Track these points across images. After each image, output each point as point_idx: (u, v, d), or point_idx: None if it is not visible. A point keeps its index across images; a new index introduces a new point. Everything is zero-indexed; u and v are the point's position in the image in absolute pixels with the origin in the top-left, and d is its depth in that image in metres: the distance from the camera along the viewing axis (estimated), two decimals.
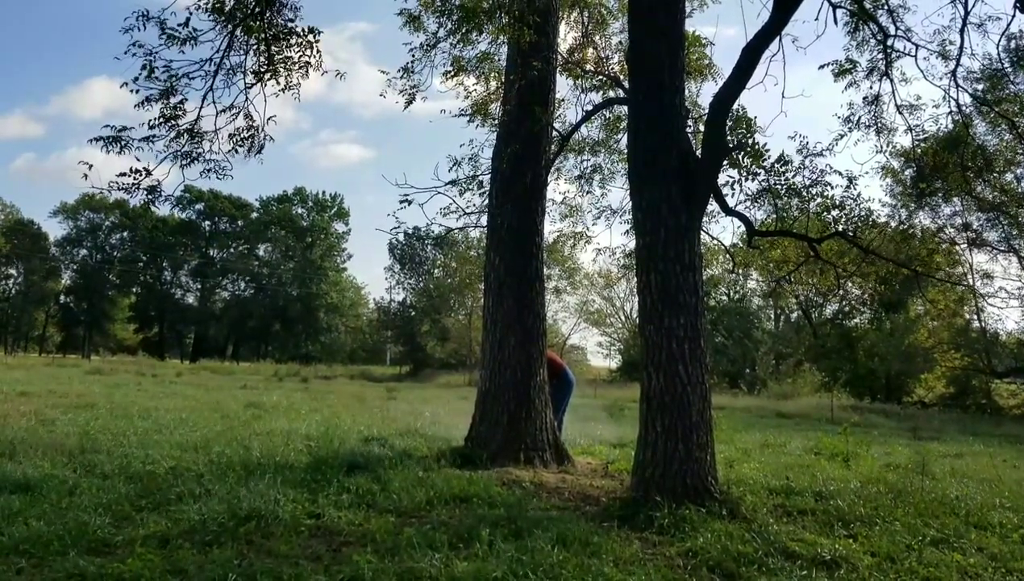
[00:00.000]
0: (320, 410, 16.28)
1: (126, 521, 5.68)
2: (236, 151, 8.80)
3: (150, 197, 8.48)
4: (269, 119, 8.78)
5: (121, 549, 5.01)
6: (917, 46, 9.87)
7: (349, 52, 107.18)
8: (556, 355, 11.25)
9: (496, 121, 10.28)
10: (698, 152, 7.75)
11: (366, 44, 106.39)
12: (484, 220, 10.35)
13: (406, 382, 44.17)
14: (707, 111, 7.86)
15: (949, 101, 10.18)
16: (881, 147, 10.79)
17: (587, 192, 12.39)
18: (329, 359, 64.94)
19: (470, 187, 10.80)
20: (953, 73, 9.98)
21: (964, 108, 10.66)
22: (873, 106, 10.46)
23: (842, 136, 10.62)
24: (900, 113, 10.36)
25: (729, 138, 8.08)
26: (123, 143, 8.06)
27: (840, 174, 10.04)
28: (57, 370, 32.54)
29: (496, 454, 8.83)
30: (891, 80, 10.16)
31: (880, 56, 10.11)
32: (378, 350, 73.43)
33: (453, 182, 10.30)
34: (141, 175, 8.20)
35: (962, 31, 9.50)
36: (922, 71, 10.04)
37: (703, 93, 12.82)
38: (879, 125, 10.53)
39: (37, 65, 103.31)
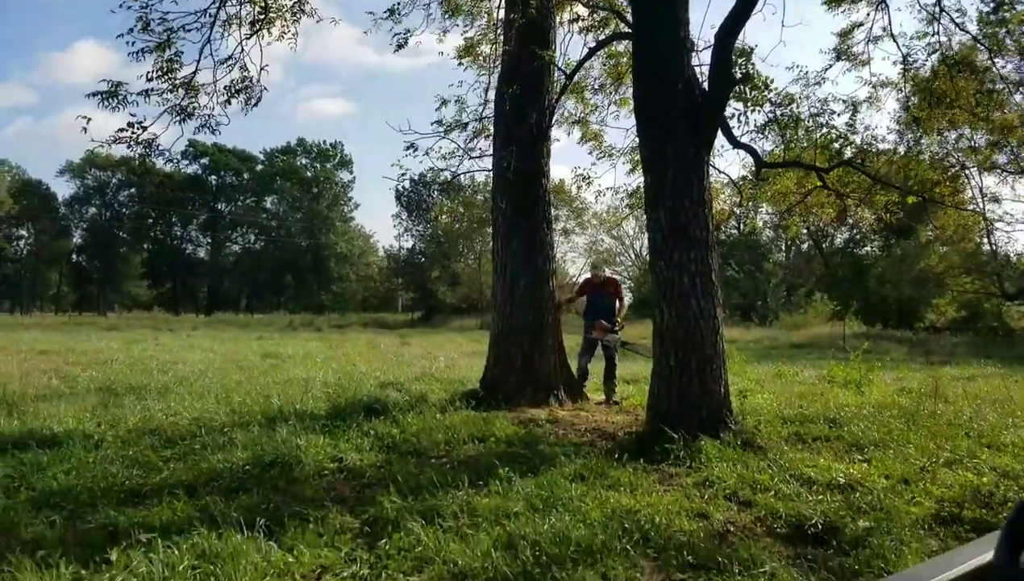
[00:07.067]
0: (336, 358, 16.46)
1: (152, 472, 5.80)
2: (229, 103, 8.75)
3: (147, 151, 8.48)
4: (262, 69, 8.71)
5: (149, 499, 5.11)
6: None
7: (324, 12, 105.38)
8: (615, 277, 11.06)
9: (496, 62, 10.10)
10: (704, 85, 7.62)
11: (341, 3, 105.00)
12: (489, 163, 10.25)
13: (419, 328, 44.48)
14: (712, 43, 7.68)
15: (937, 31, 10.03)
16: (866, 79, 10.71)
17: (585, 140, 12.17)
18: (342, 308, 65.18)
19: (473, 129, 10.67)
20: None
21: (952, 37, 10.53)
22: (867, 38, 10.35)
23: (829, 67, 10.58)
24: (894, 40, 10.21)
25: (734, 70, 7.93)
26: (120, 97, 8.03)
27: (844, 102, 9.93)
28: (74, 328, 32.95)
29: (511, 394, 8.93)
30: (887, 7, 9.98)
31: None
32: (389, 298, 73.65)
33: (449, 127, 10.15)
34: (138, 130, 8.19)
35: None
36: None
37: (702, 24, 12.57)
38: (868, 57, 10.46)
39: (21, 30, 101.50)
